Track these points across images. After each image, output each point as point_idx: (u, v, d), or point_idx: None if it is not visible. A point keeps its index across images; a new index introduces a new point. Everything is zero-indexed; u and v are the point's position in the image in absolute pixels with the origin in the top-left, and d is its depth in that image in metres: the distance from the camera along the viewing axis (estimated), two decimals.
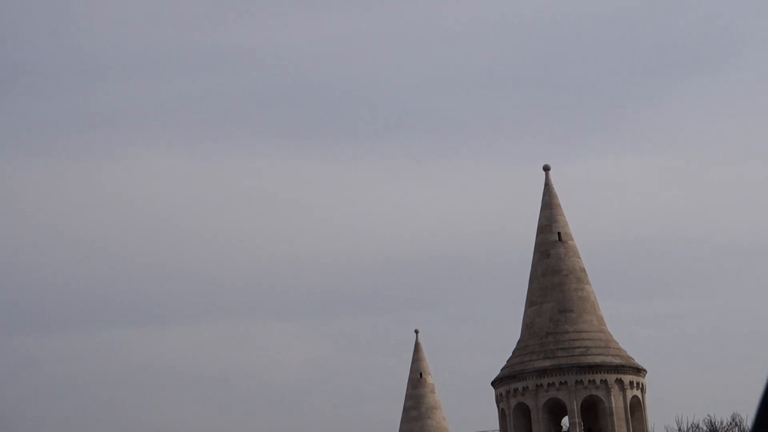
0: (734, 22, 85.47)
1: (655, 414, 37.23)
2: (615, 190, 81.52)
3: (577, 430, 30.39)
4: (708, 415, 54.60)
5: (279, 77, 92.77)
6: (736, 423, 53.56)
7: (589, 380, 30.44)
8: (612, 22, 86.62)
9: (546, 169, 33.24)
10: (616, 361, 30.50)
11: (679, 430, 50.95)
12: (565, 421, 31.24)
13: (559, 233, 31.97)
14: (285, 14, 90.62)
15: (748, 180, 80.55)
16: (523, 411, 30.85)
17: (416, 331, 41.75)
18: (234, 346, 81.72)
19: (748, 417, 55.53)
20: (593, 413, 30.72)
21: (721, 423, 56.68)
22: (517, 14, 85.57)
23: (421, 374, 40.22)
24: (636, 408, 31.01)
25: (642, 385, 31.35)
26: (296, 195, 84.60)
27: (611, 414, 30.19)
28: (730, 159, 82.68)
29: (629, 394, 30.66)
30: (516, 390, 30.89)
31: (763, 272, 77.35)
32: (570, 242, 31.98)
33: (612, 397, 30.33)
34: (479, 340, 72.75)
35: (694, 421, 55.12)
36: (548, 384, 30.48)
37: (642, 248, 76.88)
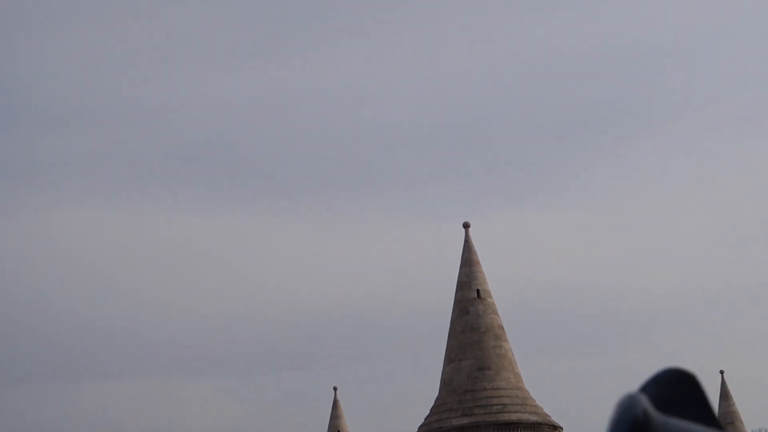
0: (649, 92, 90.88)
1: None
2: (534, 246, 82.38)
3: None
4: None
5: (201, 133, 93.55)
6: None
7: None
8: (534, 86, 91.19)
9: (466, 226, 34.04)
10: (533, 418, 31.30)
11: None
12: None
13: (478, 290, 32.71)
14: (207, 72, 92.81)
15: (661, 239, 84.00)
16: None
17: (335, 388, 41.77)
18: (148, 406, 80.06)
19: None
20: None
21: None
22: (440, 74, 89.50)
23: (339, 431, 40.33)
24: None
25: None
26: (215, 251, 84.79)
27: None
28: (644, 218, 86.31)
29: None
30: None
31: (680, 328, 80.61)
32: (489, 299, 32.73)
33: None
34: (398, 397, 72.70)
35: None
36: None
37: (560, 304, 77.95)
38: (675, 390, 1.31)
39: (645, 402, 1.16)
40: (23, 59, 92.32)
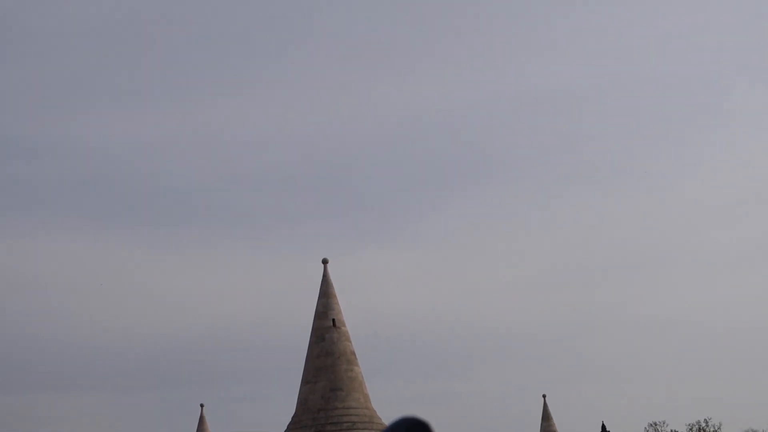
0: (487, 145, 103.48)
1: None
2: (385, 281, 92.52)
3: None
4: None
5: (86, 169, 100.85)
6: None
7: None
8: (388, 143, 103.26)
9: (324, 262, 36.99)
10: None
11: None
12: None
13: (333, 320, 35.53)
14: (92, 109, 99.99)
15: (503, 275, 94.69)
16: None
17: (201, 405, 43.56)
18: (19, 422, 79.25)
19: None
20: None
21: None
22: (310, 126, 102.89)
23: None
24: None
25: None
26: (91, 276, 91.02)
27: None
28: (487, 256, 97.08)
29: None
30: None
31: (519, 356, 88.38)
32: (343, 328, 35.64)
33: None
34: (259, 414, 77.49)
35: None
36: None
37: (409, 333, 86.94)
38: None
39: None
40: None
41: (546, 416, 44.47)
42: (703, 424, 62.12)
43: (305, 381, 34.53)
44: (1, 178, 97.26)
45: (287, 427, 34.42)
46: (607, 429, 32.66)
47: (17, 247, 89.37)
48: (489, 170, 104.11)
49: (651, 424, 63.23)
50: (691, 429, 62.01)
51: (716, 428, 61.36)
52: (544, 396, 46.04)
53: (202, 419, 42.11)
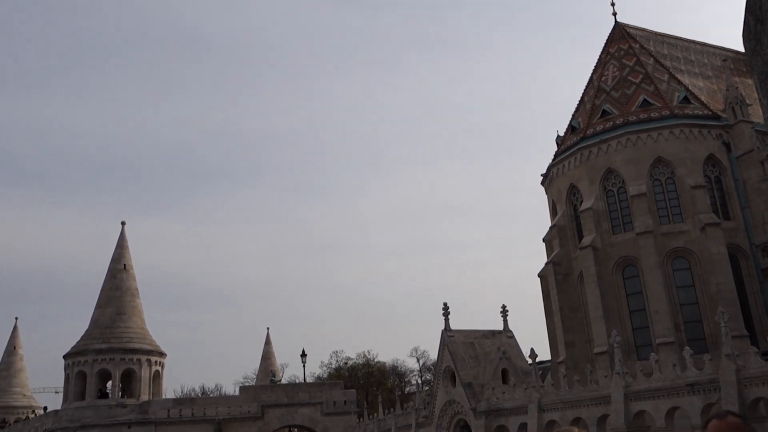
0: (235, 154, 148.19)
1: (169, 382, 67.31)
2: (165, 243, 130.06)
3: (116, 390, 45.33)
4: (202, 384, 79.49)
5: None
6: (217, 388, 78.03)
7: (129, 358, 45.38)
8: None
9: (123, 223, 48.79)
10: (147, 347, 46.19)
11: (181, 392, 72.18)
12: (109, 385, 45.90)
13: (124, 264, 47.62)
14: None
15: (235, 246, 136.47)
16: (82, 376, 45.04)
17: (16, 318, 54.53)
18: None
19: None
20: (129, 380, 46.10)
21: (207, 389, 79.46)
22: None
23: (15, 347, 51.97)
24: (156, 377, 47.03)
25: (162, 363, 47.47)
26: None
27: (140, 380, 45.76)
28: (242, 233, 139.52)
29: (153, 368, 46.36)
30: (79, 362, 44.84)
31: (244, 300, 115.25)
32: (131, 271, 47.87)
33: (142, 370, 45.77)
34: (64, 328, 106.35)
35: (192, 387, 78.63)
36: (102, 359, 44.75)
37: (178, 280, 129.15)
38: None
39: None
40: None
41: (267, 341, 60.54)
42: None
43: (98, 306, 46.62)
44: None
45: (81, 337, 46.15)
46: (305, 353, 49.22)
47: None
48: (234, 177, 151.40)
49: (334, 352, 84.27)
50: None
51: None
52: (267, 328, 62.29)
53: (15, 330, 51.67)
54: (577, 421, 27.58)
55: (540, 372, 33.12)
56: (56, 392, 52.02)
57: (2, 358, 51.50)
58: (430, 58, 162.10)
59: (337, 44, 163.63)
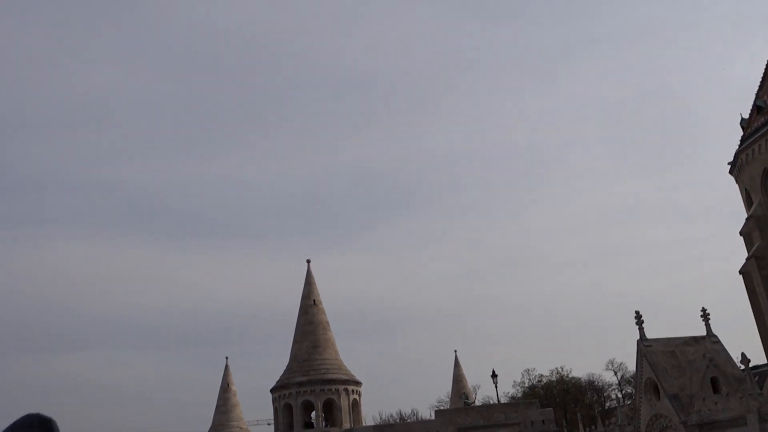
0: (406, 188, 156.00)
1: (367, 409, 67.74)
2: (348, 275, 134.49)
3: (320, 420, 47.14)
4: (399, 409, 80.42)
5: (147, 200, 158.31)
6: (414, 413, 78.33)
7: (328, 389, 47.01)
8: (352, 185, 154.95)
9: (308, 261, 50.75)
10: (343, 377, 47.66)
11: (380, 418, 73.92)
12: (313, 415, 47.84)
13: (314, 300, 49.60)
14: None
15: (417, 273, 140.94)
16: (289, 408, 47.27)
17: (227, 357, 58.93)
18: (96, 373, 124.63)
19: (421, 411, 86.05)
20: (330, 409, 47.81)
21: (404, 414, 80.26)
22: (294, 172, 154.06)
23: (228, 384, 56.02)
24: (355, 405, 48.33)
25: (358, 391, 48.76)
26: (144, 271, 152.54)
27: (340, 409, 47.25)
28: (420, 259, 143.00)
29: (351, 397, 47.71)
30: (284, 395, 47.23)
31: (435, 325, 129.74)
32: (320, 306, 49.76)
33: (341, 399, 47.23)
34: (267, 363, 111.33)
35: (390, 413, 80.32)
36: (303, 391, 46.78)
37: (364, 310, 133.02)
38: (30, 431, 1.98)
39: None
40: None
41: (456, 364, 60.39)
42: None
43: (296, 341, 48.79)
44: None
45: (283, 371, 48.49)
46: (496, 373, 48.30)
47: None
48: (407, 204, 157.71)
49: (525, 371, 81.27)
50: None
51: None
52: (455, 351, 62.14)
53: (227, 369, 55.66)
54: None
55: (756, 378, 30.45)
56: (268, 424, 55.25)
57: (219, 395, 55.70)
58: (596, 57, 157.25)
59: (493, 60, 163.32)
